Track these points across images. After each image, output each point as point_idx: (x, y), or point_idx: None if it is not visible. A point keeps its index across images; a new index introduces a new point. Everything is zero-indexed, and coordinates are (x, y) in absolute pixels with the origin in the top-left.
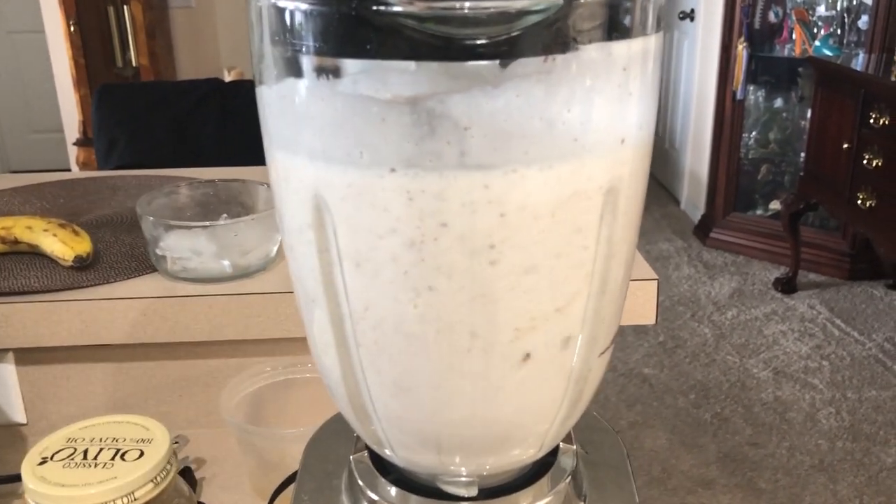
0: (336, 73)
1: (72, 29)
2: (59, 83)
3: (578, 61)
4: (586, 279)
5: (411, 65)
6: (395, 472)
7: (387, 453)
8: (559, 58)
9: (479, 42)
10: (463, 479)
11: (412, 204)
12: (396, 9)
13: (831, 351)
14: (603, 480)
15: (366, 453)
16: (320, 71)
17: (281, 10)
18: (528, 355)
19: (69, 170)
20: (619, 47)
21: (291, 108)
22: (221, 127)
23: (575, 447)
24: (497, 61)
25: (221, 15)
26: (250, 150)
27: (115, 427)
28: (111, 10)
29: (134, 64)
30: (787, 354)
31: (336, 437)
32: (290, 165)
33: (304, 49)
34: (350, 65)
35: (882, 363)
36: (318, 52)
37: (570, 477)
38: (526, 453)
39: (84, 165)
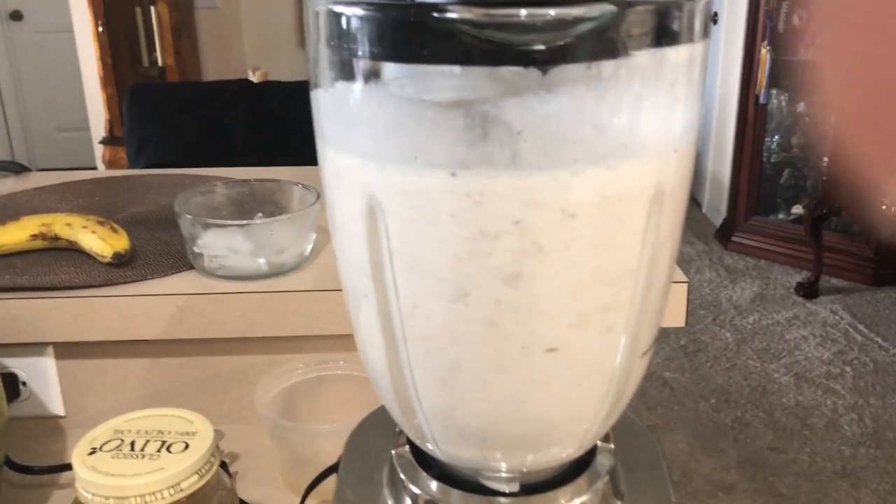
0: (391, 77)
1: (100, 29)
2: (87, 82)
3: (628, 67)
4: (632, 280)
5: (466, 69)
6: (437, 467)
7: (429, 447)
8: (609, 64)
9: (533, 48)
10: (504, 474)
11: (464, 206)
12: (454, 15)
13: (854, 356)
14: (639, 480)
15: (407, 448)
16: (375, 75)
17: (337, 15)
18: (574, 352)
19: (95, 168)
20: (668, 54)
21: (346, 111)
22: (250, 127)
23: (612, 446)
24: (548, 67)
25: (247, 15)
26: (278, 150)
27: (160, 420)
28: (138, 10)
29: (160, 64)
30: (808, 359)
31: (376, 431)
32: (343, 166)
33: (359, 53)
34: (405, 69)
35: None
36: (374, 57)
37: (608, 476)
38: (566, 451)
39: (110, 164)
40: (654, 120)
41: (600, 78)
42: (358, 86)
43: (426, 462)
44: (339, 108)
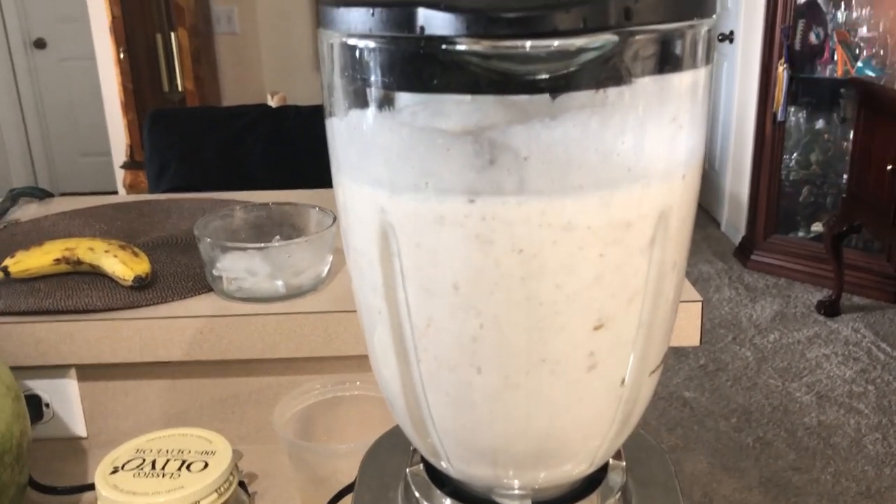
0: (403, 105)
1: (121, 56)
2: (108, 108)
3: (632, 94)
4: (638, 300)
5: (473, 98)
6: (451, 485)
7: (443, 465)
8: (613, 91)
9: (539, 77)
10: (517, 492)
11: (474, 230)
12: (462, 48)
13: (877, 375)
14: (651, 498)
15: (422, 466)
16: (387, 104)
17: (351, 48)
18: (583, 371)
19: (116, 192)
20: (671, 80)
21: (359, 138)
22: (269, 151)
23: (624, 464)
24: (554, 94)
25: (265, 41)
26: (297, 174)
27: (180, 439)
28: (159, 36)
29: (180, 89)
30: (830, 378)
31: (391, 450)
32: (357, 192)
33: (372, 83)
34: (416, 98)
35: None
36: (386, 87)
37: (619, 493)
38: (577, 468)
39: (131, 188)
40: (659, 145)
41: (605, 104)
42: (371, 114)
43: (440, 480)
44: (352, 136)
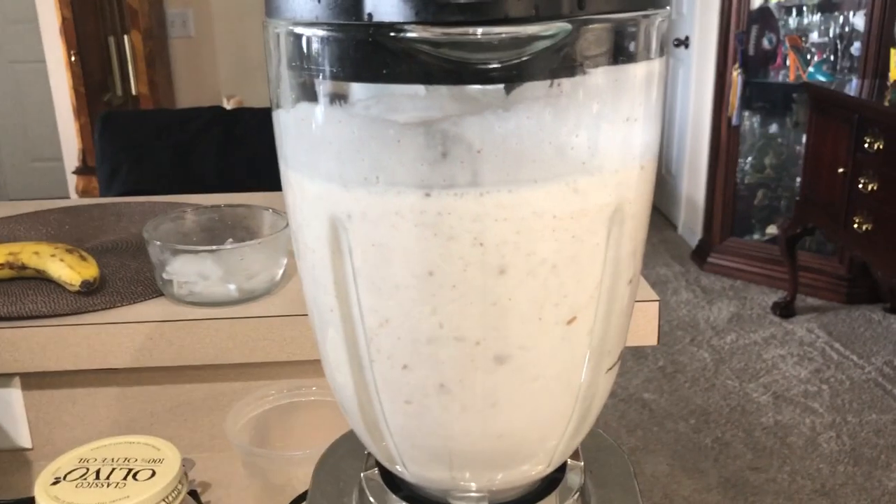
0: (351, 97)
1: (72, 59)
2: (60, 112)
3: (585, 85)
4: (594, 296)
5: (425, 89)
6: (406, 489)
7: (398, 469)
8: (567, 82)
9: (490, 66)
10: (473, 494)
11: (426, 224)
12: (412, 35)
13: (830, 375)
14: (610, 498)
15: (376, 470)
16: (336, 95)
17: (298, 37)
18: (540, 368)
19: (68, 197)
20: (625, 71)
21: (308, 131)
22: (223, 154)
23: (582, 464)
24: (508, 85)
25: (220, 44)
26: (252, 177)
27: (126, 447)
28: (112, 39)
29: (133, 93)
30: (786, 378)
31: (345, 455)
32: (306, 188)
33: (320, 74)
34: (365, 89)
35: (882, 387)
36: (335, 77)
37: (577, 493)
38: (535, 469)
39: (83, 193)
40: (613, 138)
41: (559, 96)
42: (320, 107)
43: (395, 484)
44: (301, 129)
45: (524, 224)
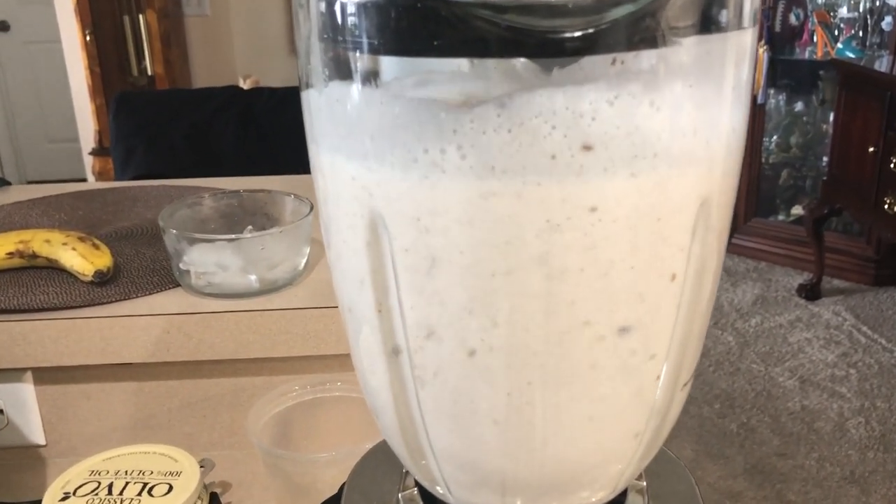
0: (394, 74)
1: (87, 38)
2: (75, 93)
3: (670, 59)
4: (675, 302)
5: (479, 63)
6: None
7: (440, 492)
8: (649, 54)
9: (563, 36)
10: None
11: (483, 219)
12: None
13: (858, 359)
14: None
15: (415, 490)
16: (377, 73)
17: (331, 3)
18: (609, 384)
19: (85, 179)
20: (716, 42)
21: (343, 113)
22: (241, 135)
23: (644, 484)
24: (575, 58)
25: (236, 23)
26: (271, 159)
27: (141, 458)
28: (127, 18)
29: (149, 73)
30: (812, 362)
31: (380, 469)
32: (341, 177)
33: (358, 48)
34: (411, 64)
35: None
36: (375, 51)
37: None
38: (596, 495)
39: (100, 175)
40: (700, 120)
41: (639, 71)
42: (356, 85)
43: None
44: (334, 111)
45: (596, 218)
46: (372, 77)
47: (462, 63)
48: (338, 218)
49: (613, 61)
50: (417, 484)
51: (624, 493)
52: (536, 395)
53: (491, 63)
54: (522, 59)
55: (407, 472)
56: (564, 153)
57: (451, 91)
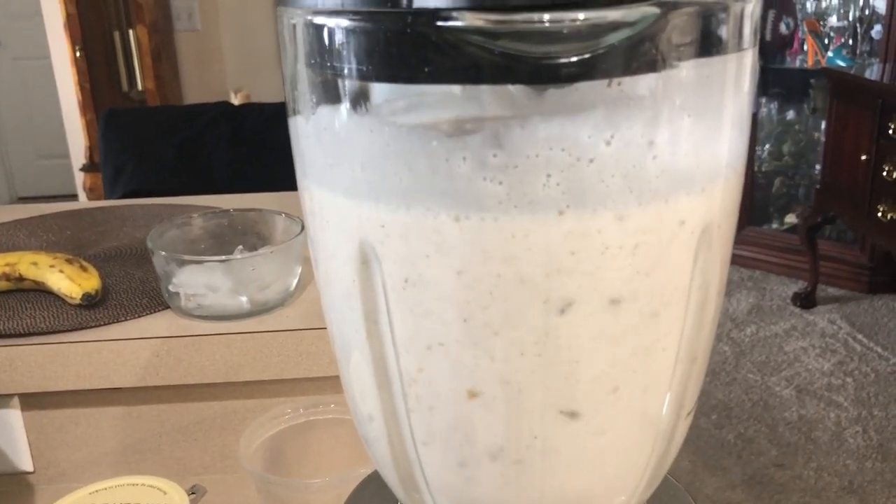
0: (383, 100)
1: (77, 54)
2: (65, 109)
3: (669, 82)
4: (678, 330)
5: (471, 90)
6: None
7: None
8: (647, 78)
9: (558, 62)
10: None
11: (476, 250)
12: (462, 24)
13: (854, 367)
14: None
15: None
16: (366, 98)
17: (318, 28)
18: (612, 416)
19: (76, 195)
20: (716, 65)
21: (332, 141)
22: (232, 151)
23: None
24: (570, 83)
25: (227, 37)
26: (263, 175)
27: (129, 491)
28: (117, 34)
29: (140, 88)
30: (809, 371)
31: (375, 499)
32: (330, 205)
33: (346, 73)
34: (401, 91)
35: None
36: (364, 77)
37: None
38: None
39: (91, 191)
40: (700, 144)
41: (636, 96)
42: (344, 111)
43: None
44: (322, 138)
45: (592, 249)
46: (361, 101)
47: (454, 87)
48: (327, 251)
49: (609, 84)
50: None
51: None
52: (536, 428)
53: (484, 88)
54: (516, 85)
55: None
56: (561, 187)
57: (443, 115)
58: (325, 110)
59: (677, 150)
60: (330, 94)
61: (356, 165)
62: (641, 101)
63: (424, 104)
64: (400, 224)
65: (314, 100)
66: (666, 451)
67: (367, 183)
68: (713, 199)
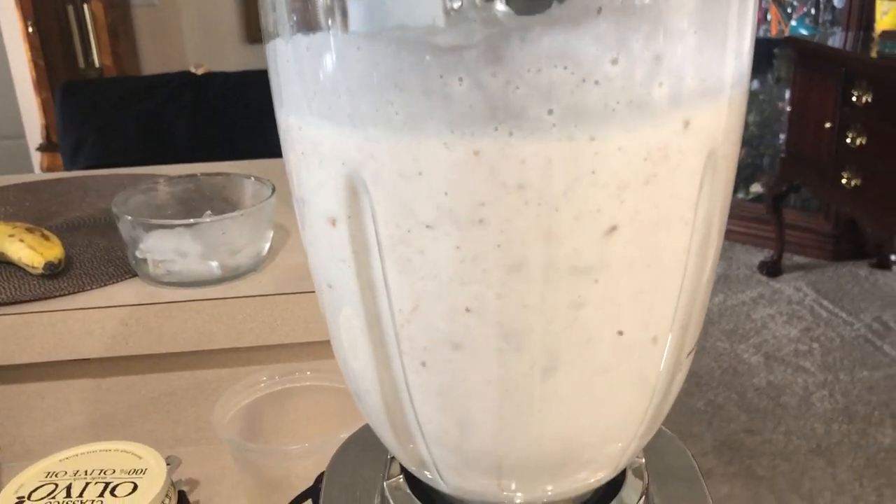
0: (374, 16)
1: (30, 30)
2: (19, 86)
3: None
4: (681, 263)
5: (465, 12)
6: (440, 500)
7: (429, 477)
8: None
9: None
10: None
11: (472, 176)
12: None
13: (820, 333)
14: (677, 498)
15: (401, 478)
16: (352, 14)
17: None
18: (613, 357)
19: None
20: None
21: (315, 64)
22: (195, 122)
23: (643, 461)
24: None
25: (186, 12)
26: (226, 145)
27: (102, 457)
28: (70, 8)
29: (97, 65)
30: (776, 338)
31: (361, 457)
32: (313, 138)
33: None
34: (384, 17)
35: (872, 343)
36: None
37: (642, 497)
38: (596, 475)
39: (49, 171)
40: (702, 65)
41: (628, 9)
42: (331, 31)
43: (426, 494)
44: (305, 62)
45: (596, 174)
46: (348, 20)
47: (438, 16)
48: (312, 189)
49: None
50: (404, 470)
51: (623, 472)
52: (535, 373)
53: (470, 13)
54: (504, 7)
55: (392, 459)
56: (564, 111)
57: (441, 34)
58: (306, 28)
59: (683, 67)
60: (313, 13)
61: (341, 89)
62: (651, 9)
63: (418, 19)
64: (390, 152)
65: (294, 18)
66: (667, 394)
67: (354, 108)
68: (719, 120)
